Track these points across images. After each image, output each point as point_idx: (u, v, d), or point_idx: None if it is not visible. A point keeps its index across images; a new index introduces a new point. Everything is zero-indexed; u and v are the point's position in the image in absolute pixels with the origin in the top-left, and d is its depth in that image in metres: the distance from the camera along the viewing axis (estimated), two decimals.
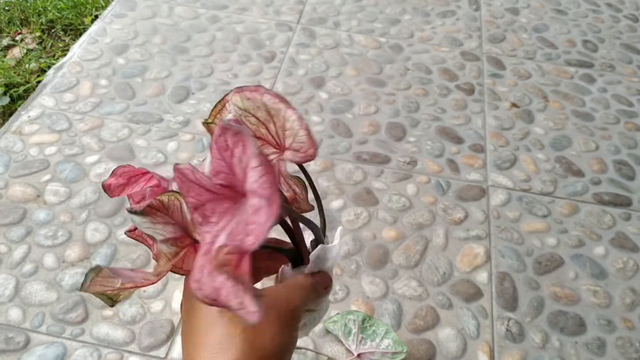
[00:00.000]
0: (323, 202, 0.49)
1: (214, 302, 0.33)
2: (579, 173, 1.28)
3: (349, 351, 0.93)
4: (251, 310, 0.32)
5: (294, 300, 0.43)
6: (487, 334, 0.99)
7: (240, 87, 0.43)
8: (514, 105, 1.44)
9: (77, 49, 1.50)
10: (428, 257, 1.09)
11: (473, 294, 1.04)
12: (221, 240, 0.34)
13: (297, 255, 0.48)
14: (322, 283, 0.47)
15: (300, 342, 0.94)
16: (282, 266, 0.48)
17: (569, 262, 1.11)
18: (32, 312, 0.96)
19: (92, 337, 0.94)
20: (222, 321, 0.39)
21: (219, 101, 0.45)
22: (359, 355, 0.91)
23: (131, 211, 0.38)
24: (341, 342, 0.94)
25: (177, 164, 0.36)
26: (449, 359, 0.95)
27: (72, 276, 1.01)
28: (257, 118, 0.43)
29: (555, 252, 1.12)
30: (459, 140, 1.33)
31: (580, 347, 0.98)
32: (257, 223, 0.32)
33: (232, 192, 0.36)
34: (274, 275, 0.49)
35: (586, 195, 1.24)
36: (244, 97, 0.43)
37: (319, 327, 0.96)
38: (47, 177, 1.17)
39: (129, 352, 0.92)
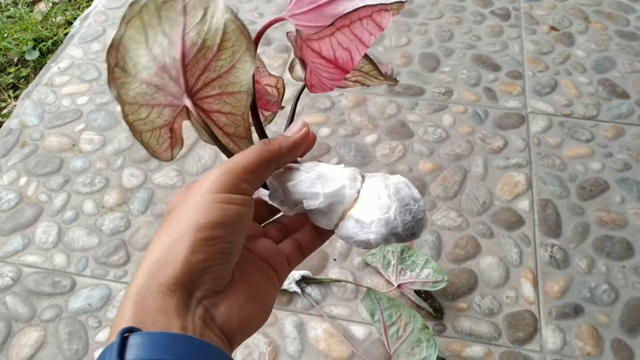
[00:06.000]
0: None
1: None
2: (624, 95, 1.22)
3: (389, 282, 0.92)
4: None
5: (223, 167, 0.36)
6: (530, 261, 0.96)
7: None
8: (552, 28, 1.37)
9: None
10: (467, 187, 1.06)
11: (514, 222, 1.01)
12: None
13: None
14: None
15: (339, 275, 0.94)
16: None
17: (614, 186, 1.07)
18: (76, 256, 0.98)
19: None
20: (164, 222, 0.37)
21: None
22: (399, 285, 0.91)
23: None
24: (380, 273, 0.94)
25: None
26: (492, 287, 0.94)
27: (112, 221, 1.02)
28: None
29: (600, 177, 1.08)
30: (495, 68, 1.28)
31: (628, 271, 0.95)
32: None
33: None
34: None
35: (632, 117, 1.18)
36: None
37: (357, 260, 0.96)
38: (81, 126, 1.17)
39: None
